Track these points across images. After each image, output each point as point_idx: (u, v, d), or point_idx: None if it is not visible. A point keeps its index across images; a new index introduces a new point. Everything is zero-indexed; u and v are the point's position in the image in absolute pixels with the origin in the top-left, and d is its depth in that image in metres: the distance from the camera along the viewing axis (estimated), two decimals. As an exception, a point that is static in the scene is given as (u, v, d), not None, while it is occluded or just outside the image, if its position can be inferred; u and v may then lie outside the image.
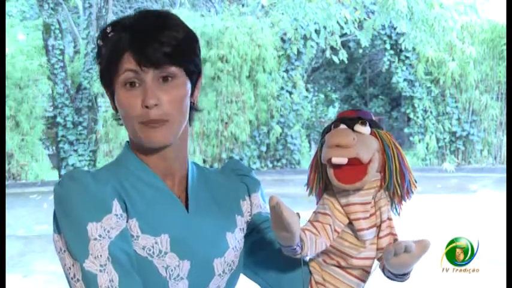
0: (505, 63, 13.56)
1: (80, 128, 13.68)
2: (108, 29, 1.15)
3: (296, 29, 13.46)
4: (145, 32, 1.11)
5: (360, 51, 15.95)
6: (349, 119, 1.16)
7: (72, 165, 13.45)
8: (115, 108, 1.18)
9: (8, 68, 12.40)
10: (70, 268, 1.08)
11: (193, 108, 1.20)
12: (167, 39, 1.11)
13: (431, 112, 14.36)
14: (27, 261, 6.58)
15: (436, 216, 8.36)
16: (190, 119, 1.20)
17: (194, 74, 1.17)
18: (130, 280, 1.07)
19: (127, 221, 1.11)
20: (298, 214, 1.06)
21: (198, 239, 1.16)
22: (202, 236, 1.17)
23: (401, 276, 1.14)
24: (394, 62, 14.41)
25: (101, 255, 1.06)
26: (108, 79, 1.15)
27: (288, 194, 7.06)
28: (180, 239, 1.13)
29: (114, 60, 1.12)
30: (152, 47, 1.10)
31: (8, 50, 12.63)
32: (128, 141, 1.23)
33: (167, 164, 1.19)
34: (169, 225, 1.14)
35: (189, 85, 1.16)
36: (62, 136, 13.67)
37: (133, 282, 1.07)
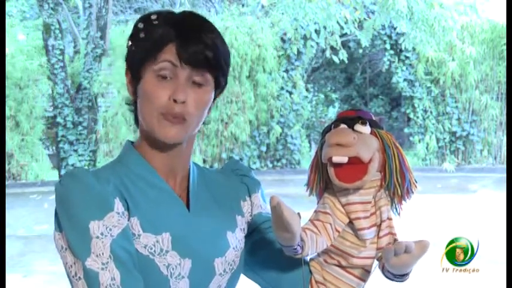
0: (505, 63, 13.55)
1: (80, 128, 13.67)
2: (153, 17, 1.15)
3: (296, 29, 13.45)
4: (192, 30, 1.12)
5: (360, 51, 15.95)
6: (349, 119, 1.16)
7: (72, 165, 13.44)
8: (133, 93, 1.17)
9: (8, 68, 12.39)
10: (71, 266, 1.08)
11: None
12: (211, 43, 1.12)
13: (431, 112, 14.36)
14: (27, 261, 6.58)
15: (436, 216, 8.36)
16: None
17: (219, 86, 1.18)
18: (132, 278, 1.07)
19: (128, 220, 1.11)
20: (298, 214, 1.06)
21: (199, 238, 1.16)
22: (203, 235, 1.17)
23: (400, 277, 1.14)
24: (394, 62, 14.40)
25: (102, 253, 1.06)
26: (139, 63, 1.14)
27: (288, 194, 7.06)
28: (181, 238, 1.13)
29: (155, 48, 1.12)
30: (197, 46, 1.11)
31: (8, 50, 12.62)
32: (129, 140, 1.23)
33: (170, 164, 1.19)
34: (171, 223, 1.14)
35: (212, 95, 1.17)
36: (62, 136, 13.66)
37: (135, 280, 1.07)
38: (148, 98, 1.13)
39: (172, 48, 1.11)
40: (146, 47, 1.13)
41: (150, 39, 1.13)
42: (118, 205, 1.10)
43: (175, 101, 1.11)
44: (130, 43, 1.17)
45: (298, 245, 1.10)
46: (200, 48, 1.11)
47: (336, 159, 1.11)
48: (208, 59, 1.12)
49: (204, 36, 1.12)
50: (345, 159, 1.11)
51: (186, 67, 1.11)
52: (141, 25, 1.15)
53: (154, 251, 1.11)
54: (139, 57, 1.14)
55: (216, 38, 1.14)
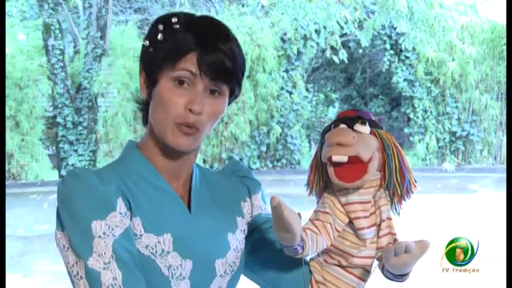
0: (505, 63, 13.56)
1: (80, 128, 13.67)
2: (174, 20, 1.13)
3: (296, 29, 13.45)
4: (213, 39, 1.12)
5: (360, 51, 15.95)
6: (349, 119, 1.16)
7: (72, 165, 13.44)
8: (148, 94, 1.17)
9: (8, 68, 12.39)
10: (73, 266, 1.08)
11: None
12: (230, 52, 1.12)
13: (431, 112, 14.37)
14: (27, 261, 6.58)
15: (436, 216, 8.36)
16: None
17: (233, 96, 1.20)
18: (134, 278, 1.07)
19: (130, 220, 1.11)
20: (299, 214, 1.06)
21: (200, 239, 1.16)
22: (203, 236, 1.17)
23: (400, 277, 1.15)
24: (394, 62, 14.41)
25: (104, 253, 1.06)
26: (156, 67, 1.13)
27: (288, 194, 7.06)
28: (183, 239, 1.13)
29: (175, 55, 1.11)
30: (217, 56, 1.10)
31: (8, 50, 12.62)
32: (131, 140, 1.23)
33: (176, 167, 1.19)
34: (172, 224, 1.14)
35: (226, 104, 1.18)
36: (62, 136, 13.66)
37: (136, 280, 1.07)
38: (164, 104, 1.12)
39: (192, 57, 1.10)
40: (165, 52, 1.12)
41: (169, 44, 1.12)
42: (120, 205, 1.10)
43: (191, 110, 1.11)
44: (148, 43, 1.15)
45: (299, 245, 1.10)
46: (220, 58, 1.11)
47: (335, 158, 1.11)
48: (227, 70, 1.12)
49: (223, 45, 1.12)
50: (344, 159, 1.11)
51: (205, 78, 1.11)
52: (160, 27, 1.13)
53: (156, 251, 1.11)
54: (157, 61, 1.13)
55: (234, 46, 1.14)
